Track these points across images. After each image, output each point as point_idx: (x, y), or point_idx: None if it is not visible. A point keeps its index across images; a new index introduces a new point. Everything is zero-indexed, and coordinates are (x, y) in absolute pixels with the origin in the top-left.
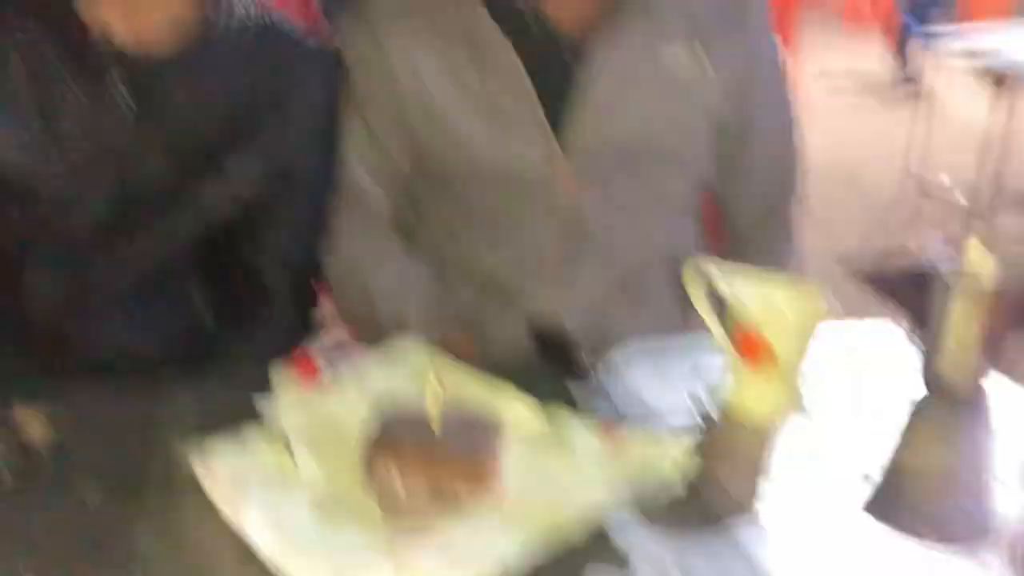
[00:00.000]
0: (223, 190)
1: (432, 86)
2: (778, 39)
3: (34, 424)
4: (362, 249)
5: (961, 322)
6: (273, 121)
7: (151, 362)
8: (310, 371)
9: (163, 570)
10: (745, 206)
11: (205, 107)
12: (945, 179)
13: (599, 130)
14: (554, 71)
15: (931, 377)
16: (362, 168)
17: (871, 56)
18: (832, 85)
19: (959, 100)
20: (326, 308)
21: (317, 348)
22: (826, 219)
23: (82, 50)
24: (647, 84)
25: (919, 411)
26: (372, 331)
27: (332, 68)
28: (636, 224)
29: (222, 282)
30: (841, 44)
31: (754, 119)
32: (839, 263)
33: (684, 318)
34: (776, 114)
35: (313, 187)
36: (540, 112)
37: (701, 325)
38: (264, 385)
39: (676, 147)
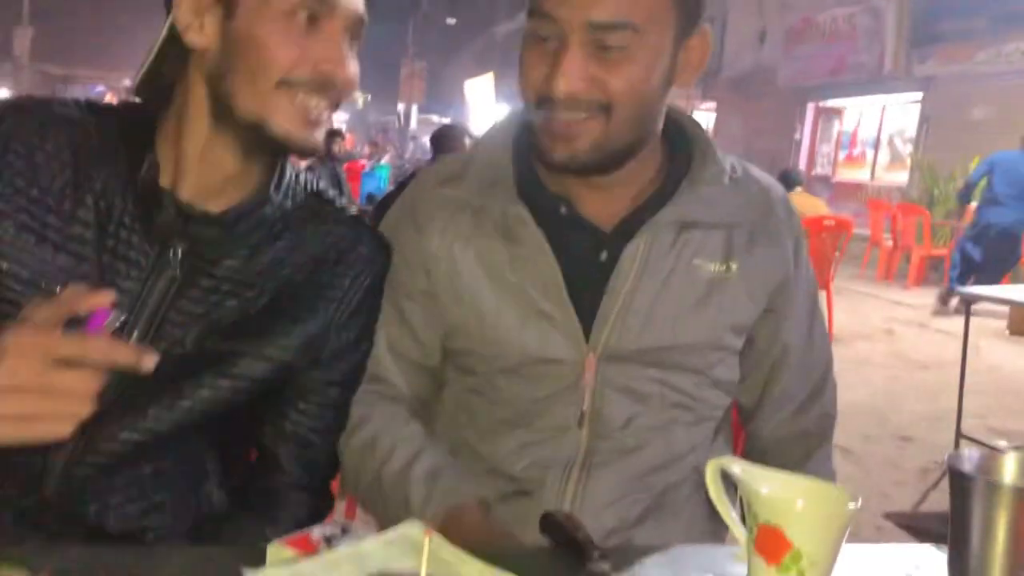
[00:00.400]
0: (258, 356)
1: (468, 276)
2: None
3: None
4: (375, 423)
5: (988, 527)
6: (317, 294)
7: (158, 538)
8: (307, 549)
9: None
10: (776, 424)
11: (258, 273)
12: (1002, 443)
13: (626, 334)
14: (588, 267)
15: None
16: (387, 349)
17: (905, 307)
18: (874, 334)
19: (1005, 355)
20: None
21: (318, 530)
22: (879, 479)
23: (152, 209)
24: (677, 294)
25: None
26: (377, 503)
27: (380, 250)
28: (662, 431)
29: (238, 465)
30: (874, 298)
31: (783, 332)
32: (888, 518)
33: (711, 531)
34: (806, 328)
35: (342, 370)
36: (573, 314)
37: (727, 538)
38: (260, 559)
39: (703, 356)
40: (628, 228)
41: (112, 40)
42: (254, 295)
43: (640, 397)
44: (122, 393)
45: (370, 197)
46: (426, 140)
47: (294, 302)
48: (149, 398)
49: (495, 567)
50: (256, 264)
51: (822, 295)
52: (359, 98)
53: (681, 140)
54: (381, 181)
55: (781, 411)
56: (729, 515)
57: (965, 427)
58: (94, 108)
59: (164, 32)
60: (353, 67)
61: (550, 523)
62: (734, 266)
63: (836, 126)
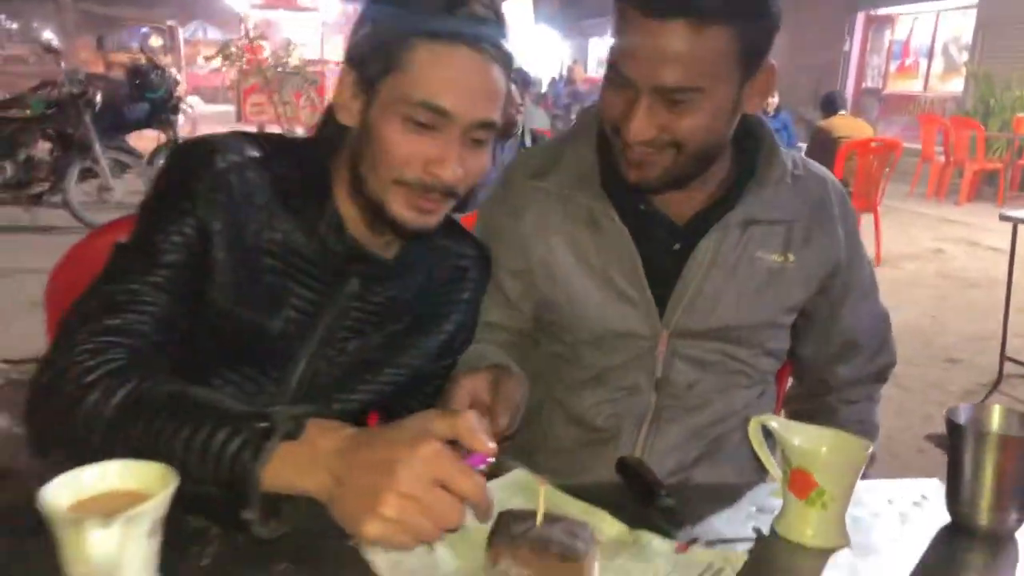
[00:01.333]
0: (400, 365)
1: (560, 259)
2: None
3: None
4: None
5: (979, 467)
6: (445, 310)
7: None
8: None
9: None
10: (847, 375)
11: (406, 300)
12: None
13: (696, 315)
14: (664, 256)
15: (953, 513)
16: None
17: (956, 224)
18: (923, 257)
19: None
20: None
21: None
22: (923, 401)
23: (332, 246)
24: (741, 282)
25: (941, 542)
26: None
27: (487, 260)
28: (720, 392)
29: None
30: (923, 217)
31: (848, 307)
32: (930, 440)
33: (756, 471)
34: (872, 300)
35: (459, 359)
36: (651, 297)
37: (769, 478)
38: None
39: (761, 333)
40: (700, 223)
41: None
42: (397, 319)
43: (704, 365)
44: (307, 391)
45: None
46: None
47: (428, 321)
48: (325, 397)
49: (588, 504)
50: (402, 299)
51: (869, 218)
52: None
53: (748, 140)
54: None
55: (854, 361)
56: (769, 461)
57: (1011, 348)
58: (279, 148)
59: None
60: (460, 170)
61: (624, 466)
62: (792, 257)
63: (887, 36)
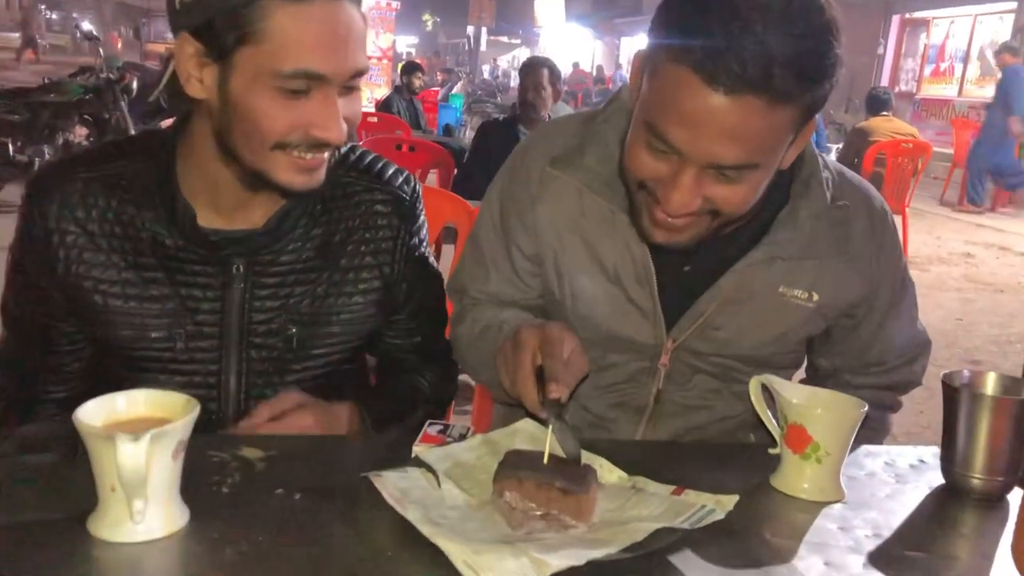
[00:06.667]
0: (334, 335)
1: (569, 254)
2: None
3: (251, 449)
4: (478, 313)
5: (973, 429)
6: (370, 261)
7: None
8: (436, 440)
9: (346, 545)
10: (862, 381)
11: (311, 260)
12: None
13: (706, 339)
14: (676, 271)
15: (947, 474)
16: (494, 290)
17: (987, 230)
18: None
19: None
20: None
21: (431, 427)
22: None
23: (201, 241)
24: (759, 314)
25: (934, 502)
26: (477, 354)
27: (402, 205)
28: (723, 398)
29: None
30: (954, 221)
31: (863, 323)
32: None
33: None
34: (891, 313)
35: (413, 308)
36: (660, 309)
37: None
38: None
39: (771, 358)
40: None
41: None
42: (316, 276)
43: (708, 375)
44: (246, 378)
45: (447, 128)
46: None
47: (351, 277)
48: (264, 380)
49: (591, 453)
50: (308, 249)
51: (897, 219)
52: (428, 20)
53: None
54: (457, 111)
55: (869, 375)
56: (767, 417)
57: None
58: (117, 151)
59: (170, 68)
60: (343, 126)
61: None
62: (816, 296)
63: (923, 39)
